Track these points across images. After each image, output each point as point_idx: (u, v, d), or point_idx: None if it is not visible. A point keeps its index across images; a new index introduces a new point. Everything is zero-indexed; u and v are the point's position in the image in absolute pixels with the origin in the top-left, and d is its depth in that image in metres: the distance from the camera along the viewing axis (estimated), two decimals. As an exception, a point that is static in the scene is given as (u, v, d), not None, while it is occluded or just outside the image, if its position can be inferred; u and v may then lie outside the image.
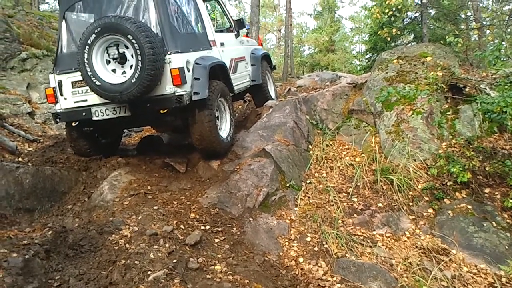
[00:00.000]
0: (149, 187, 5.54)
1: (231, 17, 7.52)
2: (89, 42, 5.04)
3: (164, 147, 7.03)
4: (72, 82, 5.56)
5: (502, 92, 5.23)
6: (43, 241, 4.20)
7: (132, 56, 5.04)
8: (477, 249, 4.95)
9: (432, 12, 18.56)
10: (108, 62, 5.20)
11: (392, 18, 15.58)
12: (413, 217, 5.49)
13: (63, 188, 5.82)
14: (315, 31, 35.97)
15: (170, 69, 5.16)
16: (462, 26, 17.69)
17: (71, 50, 5.65)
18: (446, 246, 5.05)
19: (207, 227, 4.90)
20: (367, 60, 20.19)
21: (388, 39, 15.17)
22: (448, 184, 5.72)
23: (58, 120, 5.73)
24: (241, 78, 7.22)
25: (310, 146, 6.77)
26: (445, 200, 5.61)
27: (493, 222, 5.20)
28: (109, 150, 6.52)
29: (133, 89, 4.97)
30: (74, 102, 5.58)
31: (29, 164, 5.93)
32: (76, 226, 4.89)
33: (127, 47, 5.05)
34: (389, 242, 5.15)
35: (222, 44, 6.62)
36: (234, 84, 6.63)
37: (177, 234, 4.65)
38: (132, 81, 4.96)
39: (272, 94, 8.48)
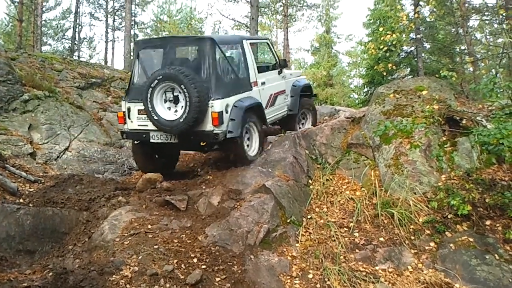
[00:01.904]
0: (149, 226, 5.53)
1: (277, 56, 8.66)
2: (152, 85, 6.50)
3: (165, 185, 7.03)
4: (138, 110, 6.91)
5: (498, 124, 5.27)
6: (43, 283, 4.19)
7: (183, 99, 6.37)
8: (481, 283, 4.90)
9: (427, 46, 18.91)
10: (165, 101, 6.64)
11: (388, 53, 15.85)
12: (415, 251, 5.46)
13: (63, 229, 5.80)
14: (313, 66, 36.52)
15: (211, 112, 6.45)
16: (457, 59, 17.99)
17: (141, 84, 7.00)
18: (449, 280, 5.00)
19: (208, 265, 4.88)
20: (365, 94, 20.47)
21: (385, 73, 15.39)
22: (448, 217, 5.71)
23: (124, 137, 7.38)
24: (278, 109, 8.40)
25: (310, 181, 6.79)
26: (446, 233, 5.59)
27: (496, 255, 5.17)
28: (165, 168, 7.65)
29: (181, 126, 6.40)
30: (138, 125, 6.99)
31: (30, 205, 5.93)
32: (76, 267, 4.87)
33: (180, 92, 6.41)
34: (392, 277, 5.11)
35: (263, 83, 7.76)
36: (272, 115, 8.01)
37: (178, 273, 4.63)
38: (181, 120, 6.36)
39: (309, 122, 9.43)
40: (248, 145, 7.17)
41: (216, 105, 6.47)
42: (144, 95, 6.54)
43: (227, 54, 7.30)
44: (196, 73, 6.63)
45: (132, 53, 23.20)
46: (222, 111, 6.51)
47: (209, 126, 6.51)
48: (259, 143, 7.33)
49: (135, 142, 7.42)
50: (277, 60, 8.64)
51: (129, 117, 7.06)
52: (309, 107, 9.46)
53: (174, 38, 7.67)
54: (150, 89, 6.52)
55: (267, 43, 9.07)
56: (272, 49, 8.90)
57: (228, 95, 6.74)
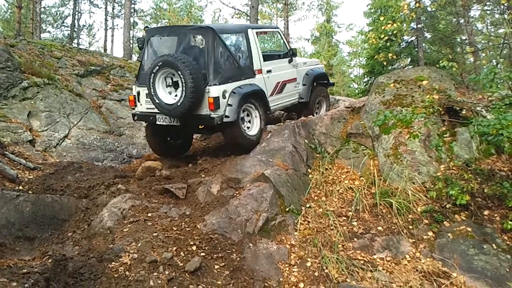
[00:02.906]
0: (148, 214, 5.55)
1: (288, 45, 9.00)
2: (154, 71, 6.98)
3: (164, 173, 7.05)
4: (146, 94, 7.36)
5: (497, 114, 5.27)
6: (43, 269, 4.20)
7: (181, 85, 6.76)
8: (478, 272, 4.94)
9: (428, 36, 18.82)
10: (167, 86, 7.11)
11: (388, 43, 15.78)
12: (413, 240, 5.48)
13: (63, 216, 5.83)
14: (313, 55, 36.39)
15: (208, 97, 6.89)
16: (458, 49, 17.92)
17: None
18: (447, 269, 5.03)
19: (207, 253, 4.91)
20: (365, 84, 20.39)
21: (385, 63, 15.35)
22: (447, 206, 5.73)
23: (135, 118, 7.89)
24: (287, 97, 8.72)
25: (309, 170, 6.80)
26: (444, 222, 5.61)
27: (493, 245, 5.20)
28: (178, 151, 8.38)
29: (178, 109, 6.85)
30: (146, 108, 7.51)
31: (30, 192, 5.94)
32: (76, 254, 4.90)
33: (178, 78, 6.79)
34: (390, 266, 5.14)
35: (269, 71, 8.09)
36: (279, 102, 8.42)
37: (177, 261, 4.65)
38: (178, 104, 6.79)
39: (323, 110, 9.64)
40: (248, 127, 7.60)
41: (213, 90, 6.90)
42: (148, 81, 7.04)
43: (228, 42, 7.64)
44: (196, 60, 7.04)
45: (131, 41, 23.11)
46: (218, 97, 6.93)
47: (206, 110, 6.98)
48: (260, 126, 7.70)
49: (146, 124, 8.15)
50: (288, 49, 8.89)
51: (138, 100, 7.64)
52: (324, 95, 9.72)
53: (180, 27, 8.44)
54: (152, 74, 7.02)
55: (278, 32, 9.34)
56: (283, 38, 9.14)
57: (227, 81, 7.13)
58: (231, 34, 8.02)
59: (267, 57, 8.39)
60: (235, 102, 7.09)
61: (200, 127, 7.56)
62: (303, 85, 9.11)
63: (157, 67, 6.96)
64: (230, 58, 7.49)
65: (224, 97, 7.03)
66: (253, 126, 7.68)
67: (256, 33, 8.16)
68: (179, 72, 6.70)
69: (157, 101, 7.02)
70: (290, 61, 8.77)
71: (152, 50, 7.81)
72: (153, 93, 7.05)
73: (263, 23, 33.90)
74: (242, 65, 7.73)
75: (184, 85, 6.69)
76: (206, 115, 6.99)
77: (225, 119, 7.00)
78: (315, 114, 9.10)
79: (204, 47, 7.33)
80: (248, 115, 7.67)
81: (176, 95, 6.96)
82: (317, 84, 9.40)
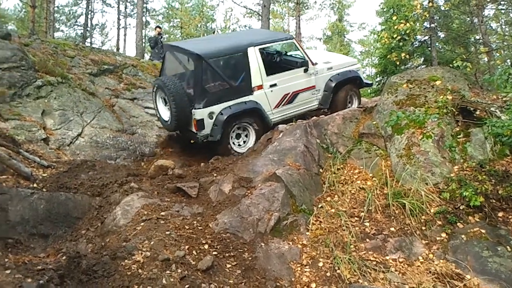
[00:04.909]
0: (161, 212, 5.58)
1: (305, 55, 8.91)
2: (154, 90, 8.29)
3: (176, 172, 7.09)
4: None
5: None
6: (57, 266, 4.25)
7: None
8: (492, 274, 4.89)
9: (441, 35, 18.66)
10: (165, 104, 8.00)
11: (401, 43, 15.67)
12: (426, 241, 5.45)
13: (76, 214, 5.88)
14: (326, 55, 36.16)
15: (193, 119, 7.62)
16: (472, 49, 17.74)
17: None
18: (460, 271, 4.99)
19: (219, 252, 4.92)
20: (377, 83, 20.22)
21: (398, 62, 15.23)
22: (461, 208, 5.69)
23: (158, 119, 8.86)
24: (300, 105, 8.91)
25: (321, 170, 6.78)
26: (458, 224, 5.57)
27: (508, 247, 5.14)
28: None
29: (170, 126, 8.01)
30: (164, 115, 8.24)
31: (44, 190, 6.00)
32: (89, 251, 4.94)
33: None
34: (402, 267, 5.11)
35: (272, 86, 8.37)
36: (287, 112, 8.70)
37: (189, 259, 4.67)
38: (169, 122, 7.89)
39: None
40: (241, 144, 8.22)
41: (197, 113, 7.63)
42: (152, 97, 8.36)
43: (221, 64, 8.06)
44: (188, 82, 7.98)
45: (144, 40, 23.22)
46: (202, 119, 7.65)
47: (193, 129, 7.77)
48: (255, 140, 8.12)
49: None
50: (305, 57, 8.84)
51: (158, 108, 8.46)
52: (355, 92, 9.69)
53: (184, 49, 8.40)
54: (153, 93, 8.32)
55: (292, 43, 9.24)
56: (298, 48, 9.17)
57: (214, 103, 7.74)
58: (226, 56, 8.17)
59: (274, 69, 8.61)
60: (220, 123, 7.70)
61: (191, 141, 8.19)
62: (324, 91, 9.15)
63: (155, 88, 8.18)
64: (220, 80, 7.90)
65: (211, 117, 7.70)
66: (248, 143, 8.19)
67: (260, 49, 8.32)
68: (167, 95, 7.64)
69: (158, 115, 8.38)
70: (306, 71, 8.78)
71: (167, 65, 8.75)
72: (156, 108, 8.35)
73: (275, 22, 33.89)
74: (237, 84, 8.06)
75: (170, 107, 7.64)
76: (194, 133, 7.78)
77: (209, 138, 7.74)
78: None
79: (191, 72, 8.02)
80: (246, 134, 8.23)
81: (169, 114, 7.84)
82: (344, 86, 9.33)
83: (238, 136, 8.19)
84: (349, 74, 9.45)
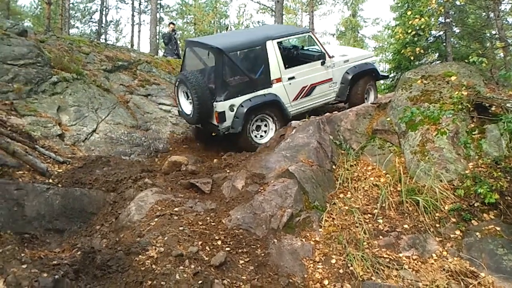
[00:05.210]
0: (175, 208, 5.62)
1: (322, 48, 9.13)
2: (176, 84, 8.46)
3: (190, 168, 7.12)
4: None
5: (528, 111, 5.16)
6: (72, 261, 4.30)
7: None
8: (507, 272, 4.84)
9: (457, 30, 18.44)
10: (187, 98, 8.23)
11: (416, 38, 15.51)
12: (440, 239, 5.41)
13: (91, 209, 5.94)
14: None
15: (215, 111, 7.85)
16: (488, 44, 17.50)
17: None
18: (475, 269, 4.95)
19: (232, 248, 4.94)
20: (391, 79, 20.07)
21: (412, 58, 15.10)
22: (475, 205, 5.63)
23: (179, 113, 9.16)
24: (318, 98, 9.14)
25: (334, 167, 6.76)
26: (472, 221, 5.51)
27: (523, 244, 5.09)
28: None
29: (191, 119, 8.27)
30: (185, 109, 8.43)
31: (59, 185, 6.07)
32: (104, 246, 4.99)
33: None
34: (416, 264, 5.08)
35: (291, 78, 8.59)
36: (306, 104, 8.95)
37: (202, 255, 4.70)
38: (191, 115, 8.14)
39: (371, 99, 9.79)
40: (262, 135, 8.46)
41: (218, 106, 7.86)
42: (174, 92, 8.62)
43: (240, 58, 8.37)
44: (210, 76, 8.25)
45: (158, 36, 23.32)
46: (224, 111, 7.89)
47: (214, 122, 7.99)
48: (275, 131, 8.31)
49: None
50: (323, 51, 9.05)
51: (179, 101, 8.69)
52: (371, 85, 9.87)
53: (205, 44, 8.74)
54: (175, 87, 8.52)
55: (310, 36, 9.52)
56: (316, 41, 9.30)
57: (234, 96, 7.98)
58: (245, 50, 8.44)
59: (292, 62, 8.86)
60: (241, 115, 7.92)
61: (213, 134, 8.41)
62: (341, 83, 9.34)
63: (178, 83, 8.35)
64: (240, 73, 8.12)
65: (232, 110, 7.95)
66: (268, 134, 8.40)
67: (278, 42, 8.54)
68: (189, 88, 7.84)
69: (180, 109, 8.62)
70: (323, 63, 8.97)
71: (187, 60, 8.96)
72: (178, 102, 8.60)
73: (288, 18, 33.77)
74: (256, 77, 8.24)
75: (192, 101, 7.87)
76: (216, 126, 8.00)
77: (231, 130, 7.97)
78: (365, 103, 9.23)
79: (212, 66, 8.23)
80: (265, 125, 8.47)
81: (191, 107, 8.08)
82: (361, 79, 9.49)
83: (258, 128, 8.44)
84: (365, 67, 9.62)
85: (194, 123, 8.59)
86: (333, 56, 9.19)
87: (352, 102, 9.32)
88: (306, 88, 8.83)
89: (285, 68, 8.52)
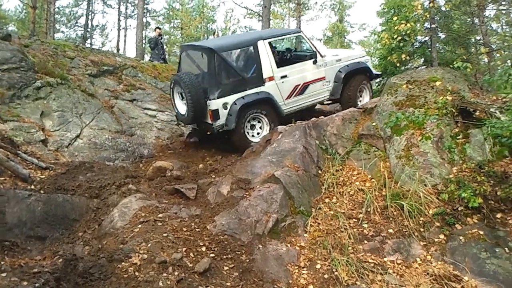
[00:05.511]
0: (159, 214, 5.57)
1: (313, 47, 9.26)
2: (171, 86, 8.65)
3: (175, 173, 7.07)
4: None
5: (511, 116, 5.19)
6: (53, 269, 4.24)
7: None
8: (490, 276, 4.86)
9: (442, 36, 18.62)
10: (182, 99, 8.32)
11: (401, 43, 15.64)
12: (424, 243, 5.42)
13: (74, 216, 5.86)
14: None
15: (208, 110, 7.95)
16: (472, 50, 17.70)
17: None
18: (458, 272, 4.97)
19: (216, 254, 4.91)
20: (377, 84, 20.16)
21: (398, 63, 15.20)
22: (459, 209, 5.65)
23: (176, 118, 9.26)
24: (312, 96, 9.20)
25: (319, 171, 6.75)
26: (456, 225, 5.54)
27: (506, 248, 5.11)
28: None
29: (186, 119, 8.38)
30: (180, 109, 8.56)
31: (41, 191, 5.99)
32: (86, 253, 4.93)
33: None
34: (400, 269, 5.09)
35: (283, 77, 8.68)
36: (301, 103, 9.02)
37: (186, 261, 4.66)
38: (186, 115, 8.24)
39: (366, 97, 9.86)
40: (257, 133, 8.46)
41: (212, 104, 7.97)
42: (170, 93, 8.74)
43: (233, 57, 8.40)
44: (203, 76, 8.27)
45: (144, 41, 23.23)
46: (217, 109, 7.99)
47: (208, 120, 8.08)
48: (270, 129, 8.33)
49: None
50: (314, 50, 9.19)
51: (175, 102, 8.81)
52: (365, 83, 9.91)
53: (197, 46, 9.19)
54: (170, 88, 8.70)
55: (300, 36, 9.62)
56: (307, 40, 9.48)
57: (227, 94, 8.08)
58: (237, 49, 8.50)
59: (285, 62, 9.05)
60: (234, 112, 8.00)
61: (208, 133, 8.47)
62: (334, 82, 9.41)
63: (172, 84, 8.52)
64: (232, 72, 8.26)
65: (225, 108, 8.04)
66: (262, 133, 8.44)
67: (270, 42, 8.71)
68: (183, 90, 7.95)
69: (176, 110, 8.68)
70: (315, 62, 9.06)
71: (183, 64, 9.04)
72: (173, 104, 8.73)
73: (276, 23, 33.87)
74: (249, 76, 8.39)
75: (186, 100, 7.96)
76: (210, 124, 8.07)
77: (225, 128, 8.04)
78: (358, 103, 9.47)
79: (205, 66, 8.32)
80: (260, 127, 8.50)
81: (185, 108, 8.17)
82: (354, 77, 9.55)
83: (252, 127, 8.51)
84: (358, 65, 9.70)
85: (189, 123, 8.66)
86: (324, 55, 9.32)
87: (346, 101, 9.45)
88: (299, 87, 8.93)
89: (277, 67, 8.65)
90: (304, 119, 8.05)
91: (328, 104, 10.54)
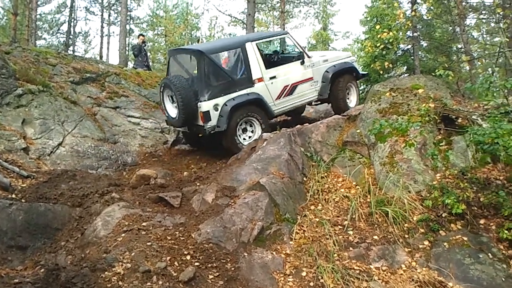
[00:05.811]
0: (143, 223, 5.50)
1: (300, 48, 9.47)
2: (161, 90, 8.56)
3: (159, 181, 7.01)
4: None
5: (493, 123, 5.26)
6: (35, 279, 4.16)
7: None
8: (474, 282, 4.91)
9: (424, 44, 18.89)
10: (172, 102, 8.32)
11: (384, 51, 15.82)
12: (409, 249, 5.45)
13: (56, 225, 5.77)
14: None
15: (199, 112, 7.93)
16: (454, 58, 17.98)
17: None
18: (443, 278, 5.00)
19: (201, 263, 4.86)
20: (361, 92, 20.34)
21: (381, 71, 15.38)
22: (443, 215, 5.70)
23: (166, 123, 9.33)
24: (301, 96, 9.28)
25: (305, 179, 6.75)
26: (440, 232, 5.58)
27: (489, 254, 5.17)
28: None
29: (177, 122, 8.30)
30: (171, 113, 8.49)
31: (23, 200, 5.90)
32: (69, 263, 4.84)
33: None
34: (386, 275, 5.10)
35: (272, 78, 8.76)
36: (290, 103, 9.12)
37: (171, 270, 4.61)
38: (177, 118, 8.18)
39: (352, 103, 9.93)
40: (249, 137, 8.48)
41: (203, 106, 7.95)
42: (159, 96, 8.70)
43: (222, 59, 8.71)
44: (193, 79, 8.24)
45: (127, 48, 23.11)
46: (208, 111, 7.96)
47: (200, 122, 8.03)
48: (261, 131, 8.41)
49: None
50: (301, 51, 9.36)
51: (166, 106, 8.74)
52: (352, 83, 10.07)
53: (187, 49, 9.35)
54: (160, 92, 8.61)
55: (288, 37, 9.78)
56: (294, 42, 9.56)
57: (218, 96, 8.09)
58: (225, 52, 8.76)
59: (273, 63, 9.20)
60: (225, 113, 8.02)
61: (199, 135, 8.41)
62: (322, 82, 9.50)
63: (162, 87, 8.46)
64: (222, 73, 8.36)
65: (216, 109, 8.03)
66: (254, 136, 8.43)
67: (257, 44, 8.83)
68: (173, 92, 7.95)
69: (166, 114, 8.59)
70: (302, 63, 9.18)
71: (172, 68, 9.03)
72: (163, 107, 8.63)
73: (260, 30, 33.99)
74: (238, 77, 8.47)
75: (177, 103, 7.95)
76: (201, 126, 8.00)
77: (216, 129, 7.99)
78: (347, 101, 9.74)
79: (194, 68, 8.37)
80: (252, 130, 8.54)
81: (176, 111, 8.14)
82: (341, 77, 9.67)
83: (244, 131, 8.54)
84: (345, 65, 9.83)
85: (180, 126, 8.59)
86: (311, 56, 9.46)
87: (334, 100, 9.63)
88: (288, 87, 9.01)
89: (266, 68, 8.75)
90: (289, 127, 8.07)
91: (316, 105, 10.70)
